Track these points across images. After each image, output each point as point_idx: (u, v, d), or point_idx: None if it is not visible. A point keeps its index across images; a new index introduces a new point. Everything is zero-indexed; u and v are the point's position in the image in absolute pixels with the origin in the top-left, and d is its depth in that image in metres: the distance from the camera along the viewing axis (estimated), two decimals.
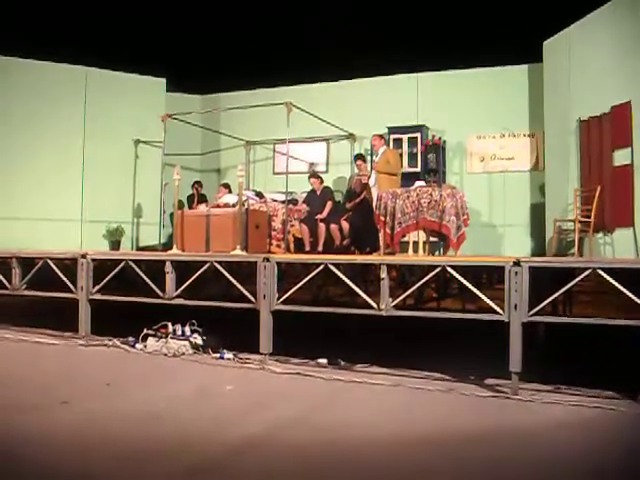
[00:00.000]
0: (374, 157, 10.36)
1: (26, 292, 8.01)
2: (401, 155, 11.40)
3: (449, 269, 5.61)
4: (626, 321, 4.93)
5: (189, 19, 14.82)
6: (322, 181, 10.92)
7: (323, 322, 6.57)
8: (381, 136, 10.42)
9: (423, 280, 5.79)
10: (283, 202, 10.41)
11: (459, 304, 6.44)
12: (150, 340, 7.04)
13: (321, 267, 6.16)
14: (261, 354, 6.25)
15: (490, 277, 6.63)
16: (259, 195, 11.33)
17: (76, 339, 7.42)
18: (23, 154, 11.37)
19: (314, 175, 11.08)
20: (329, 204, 10.51)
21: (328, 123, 11.41)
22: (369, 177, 10.25)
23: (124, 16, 14.04)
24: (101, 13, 13.95)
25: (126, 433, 4.12)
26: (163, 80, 12.85)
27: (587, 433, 4.32)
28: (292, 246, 10.50)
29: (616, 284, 4.92)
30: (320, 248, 10.13)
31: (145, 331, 7.11)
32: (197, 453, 3.74)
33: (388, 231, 8.26)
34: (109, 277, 7.34)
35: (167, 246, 10.65)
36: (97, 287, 7.39)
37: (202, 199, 12.14)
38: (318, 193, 10.74)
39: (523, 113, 11.25)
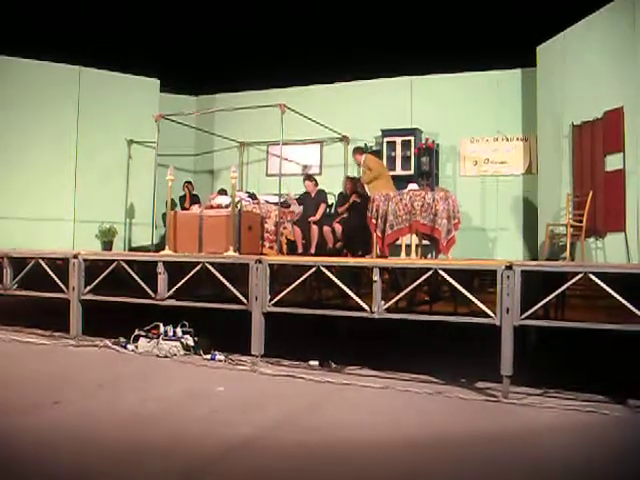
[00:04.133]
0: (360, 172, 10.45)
1: (17, 292, 7.99)
2: (394, 158, 11.45)
3: (441, 272, 5.62)
4: (617, 325, 4.95)
5: (184, 20, 14.81)
6: (317, 184, 10.93)
7: (315, 324, 6.57)
8: (358, 148, 10.52)
9: (415, 283, 5.80)
10: (276, 204, 10.41)
11: (451, 307, 6.45)
12: (142, 341, 7.03)
13: (313, 269, 6.17)
14: (253, 355, 6.25)
15: (482, 280, 6.64)
16: (252, 196, 11.33)
17: (67, 339, 7.40)
18: (16, 154, 11.33)
19: (309, 178, 11.08)
20: (322, 206, 10.52)
21: (322, 125, 11.42)
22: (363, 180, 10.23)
23: (118, 16, 14.03)
24: (95, 12, 13.92)
25: (119, 434, 4.11)
26: (157, 80, 12.84)
27: (577, 437, 4.33)
28: (285, 248, 10.50)
29: (607, 288, 4.94)
30: (313, 250, 10.13)
31: (137, 332, 7.10)
32: (189, 454, 3.74)
33: (379, 234, 8.26)
34: (101, 277, 7.32)
35: (159, 247, 10.63)
36: (89, 287, 7.37)
37: (194, 199, 12.13)
38: (312, 195, 10.76)
39: (516, 117, 11.28)
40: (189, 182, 12.62)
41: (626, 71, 8.45)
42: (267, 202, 10.97)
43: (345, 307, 6.20)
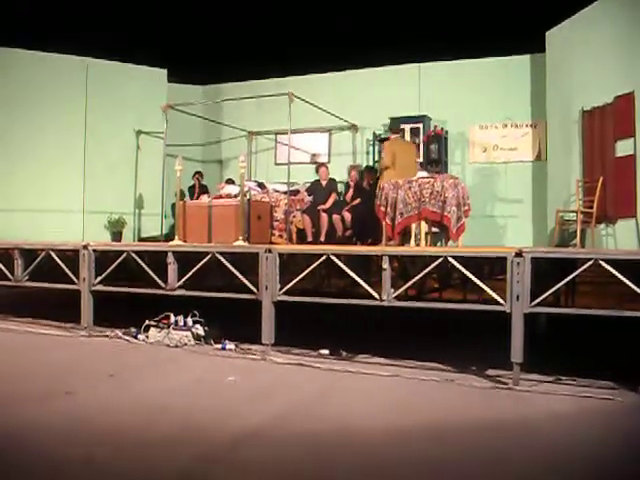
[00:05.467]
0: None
1: (28, 283, 8.01)
2: None
3: (451, 260, 5.61)
4: (628, 312, 4.92)
5: (191, 9, 14.77)
6: (329, 172, 10.93)
7: (325, 313, 6.58)
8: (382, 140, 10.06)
9: (425, 271, 5.78)
10: (285, 193, 10.40)
11: (461, 295, 6.44)
12: (152, 331, 7.05)
13: (323, 258, 6.17)
14: (263, 344, 6.26)
15: (492, 268, 6.62)
16: (261, 186, 11.33)
17: (78, 330, 7.43)
18: (25, 145, 11.38)
19: (324, 164, 11.11)
20: (333, 195, 10.52)
21: (330, 114, 11.39)
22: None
23: (125, 6, 13.99)
24: (101, 3, 13.90)
25: (130, 423, 4.13)
26: (164, 70, 12.84)
27: (587, 424, 4.32)
28: (294, 237, 10.50)
29: (618, 275, 4.92)
30: (322, 239, 10.13)
31: (147, 322, 7.12)
32: (200, 443, 3.75)
33: (389, 222, 8.25)
34: (111, 268, 7.34)
35: (169, 237, 10.65)
36: (99, 278, 7.39)
37: (203, 190, 12.14)
38: (324, 183, 10.73)
39: (525, 103, 11.22)
40: (199, 173, 12.62)
41: (636, 55, 8.39)
42: (276, 191, 10.97)
43: (355, 295, 6.19)
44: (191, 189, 12.32)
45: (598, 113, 9.18)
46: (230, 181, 11.60)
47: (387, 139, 10.15)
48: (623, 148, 8.71)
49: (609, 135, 8.95)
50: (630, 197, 8.42)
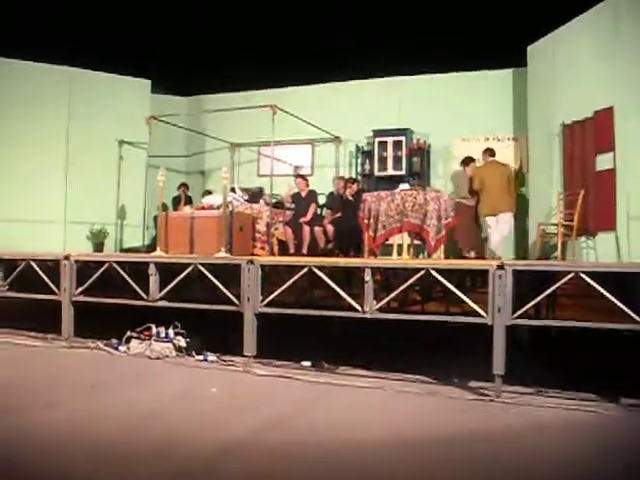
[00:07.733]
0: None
1: (8, 293, 7.95)
2: (385, 158, 11.48)
3: (433, 272, 5.63)
4: (608, 324, 4.96)
5: (174, 20, 14.78)
6: (308, 184, 10.93)
7: (307, 325, 6.57)
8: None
9: (407, 283, 5.80)
10: (267, 204, 10.40)
11: (443, 307, 6.45)
12: (133, 342, 7.01)
13: (305, 270, 6.17)
14: (245, 356, 6.24)
15: (474, 280, 6.65)
16: (254, 195, 11.26)
17: (59, 341, 7.37)
18: (6, 155, 11.27)
19: (300, 176, 11.12)
20: (313, 207, 10.52)
21: (313, 126, 11.41)
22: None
23: (109, 16, 13.97)
24: (86, 13, 13.87)
25: (111, 436, 4.09)
26: (148, 81, 12.80)
27: (569, 436, 4.34)
28: (276, 249, 10.49)
29: (598, 287, 4.96)
30: (304, 251, 10.13)
31: (128, 333, 7.08)
32: (182, 456, 3.73)
33: (371, 234, 8.26)
34: (92, 279, 7.30)
35: (151, 248, 10.60)
36: (80, 289, 7.34)
37: (188, 201, 12.10)
38: (303, 195, 10.74)
39: (507, 117, 11.30)
40: (185, 185, 12.59)
41: (616, 71, 8.48)
42: (266, 203, 11.00)
43: (337, 307, 6.19)
44: (175, 200, 12.28)
45: (578, 127, 9.26)
46: (208, 192, 11.59)
47: (472, 160, 10.29)
48: (603, 162, 8.78)
49: (589, 149, 9.02)
50: (610, 211, 8.49)
